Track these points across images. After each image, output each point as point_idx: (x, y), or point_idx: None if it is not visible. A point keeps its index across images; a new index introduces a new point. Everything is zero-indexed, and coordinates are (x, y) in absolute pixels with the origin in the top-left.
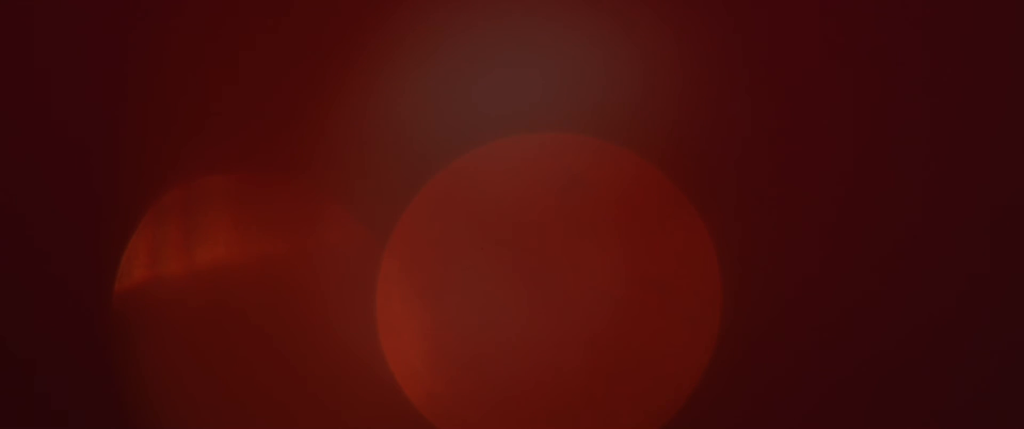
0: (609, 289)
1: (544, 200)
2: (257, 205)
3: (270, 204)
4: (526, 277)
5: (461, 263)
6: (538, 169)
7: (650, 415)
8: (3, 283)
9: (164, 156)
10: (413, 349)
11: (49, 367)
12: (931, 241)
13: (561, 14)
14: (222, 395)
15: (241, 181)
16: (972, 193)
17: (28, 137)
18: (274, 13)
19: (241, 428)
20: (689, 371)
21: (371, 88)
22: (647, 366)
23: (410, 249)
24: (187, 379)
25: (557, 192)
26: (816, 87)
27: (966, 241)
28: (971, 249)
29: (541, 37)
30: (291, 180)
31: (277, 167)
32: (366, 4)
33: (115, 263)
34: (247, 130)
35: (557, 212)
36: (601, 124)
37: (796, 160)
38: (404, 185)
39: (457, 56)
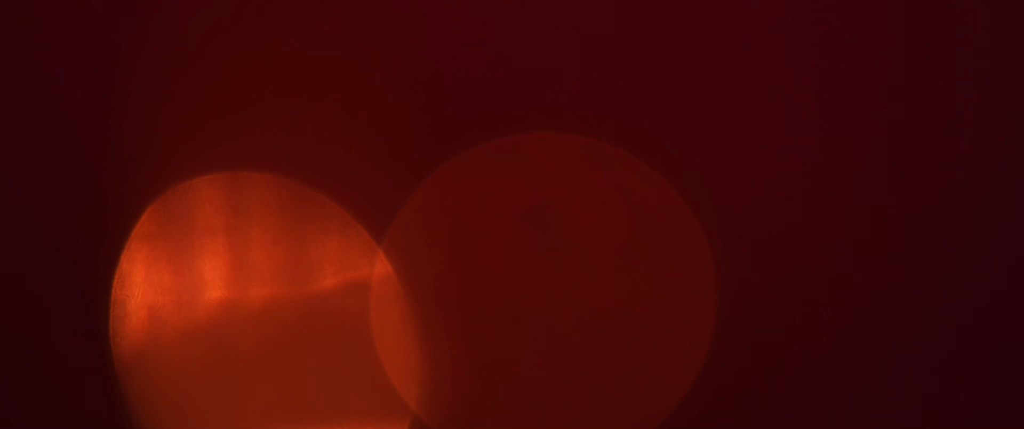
0: (607, 290)
1: (541, 201)
2: (252, 205)
3: (265, 204)
4: (524, 277)
5: (458, 263)
6: (536, 169)
7: (648, 415)
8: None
9: (161, 156)
10: (409, 351)
11: (45, 369)
12: (932, 243)
13: (558, 12)
14: (217, 396)
15: (236, 181)
16: (972, 194)
17: (25, 137)
18: (273, 14)
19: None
20: (686, 372)
21: (368, 87)
22: (645, 366)
23: (406, 249)
24: (182, 377)
25: (554, 193)
26: (819, 87)
27: (966, 243)
28: (971, 251)
29: (538, 35)
30: (287, 179)
31: (274, 167)
32: (362, 3)
33: (113, 262)
34: (243, 130)
35: (555, 213)
36: (599, 124)
37: (797, 161)
38: (400, 185)
39: (454, 54)
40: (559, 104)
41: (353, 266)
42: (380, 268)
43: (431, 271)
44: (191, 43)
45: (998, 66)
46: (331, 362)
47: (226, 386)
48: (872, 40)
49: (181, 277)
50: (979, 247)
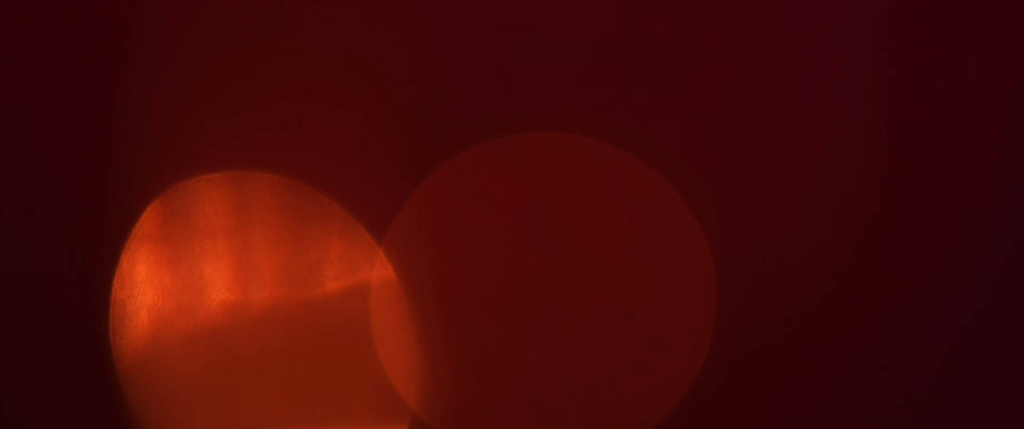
0: (607, 289)
1: (541, 201)
2: (252, 205)
3: (265, 204)
4: (524, 277)
5: (458, 263)
6: (537, 169)
7: (648, 415)
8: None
9: (162, 156)
10: (409, 351)
11: (45, 369)
12: (933, 242)
13: (561, 11)
14: (217, 396)
15: (236, 181)
16: (974, 193)
17: (25, 137)
18: (273, 14)
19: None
20: (686, 372)
21: (368, 87)
22: (645, 366)
23: (406, 249)
24: (183, 377)
25: (554, 193)
26: (820, 87)
27: (968, 242)
28: (973, 250)
29: (538, 35)
30: (287, 179)
31: (273, 167)
32: (363, 3)
33: (114, 263)
34: (243, 130)
35: (555, 213)
36: (599, 124)
37: (798, 161)
38: (400, 185)
39: (454, 54)
40: (559, 104)
41: (353, 266)
42: (380, 268)
43: (431, 271)
44: (192, 43)
45: (999, 65)
46: (330, 362)
47: (226, 386)
48: (874, 40)
49: (181, 277)
50: (980, 246)
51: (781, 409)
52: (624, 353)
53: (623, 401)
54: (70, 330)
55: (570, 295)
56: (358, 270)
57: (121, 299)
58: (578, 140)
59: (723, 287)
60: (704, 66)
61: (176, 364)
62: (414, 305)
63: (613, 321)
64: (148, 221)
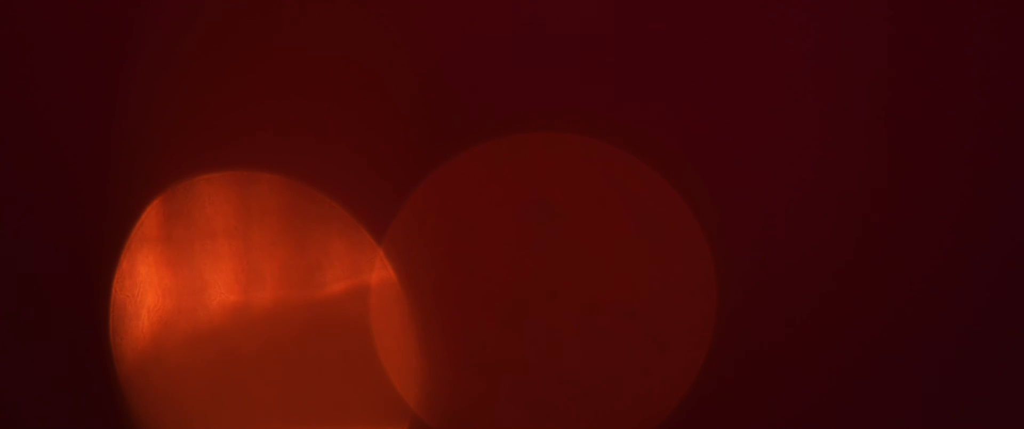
0: (608, 289)
1: (542, 200)
2: (252, 205)
3: (265, 205)
4: (524, 276)
5: (458, 263)
6: (537, 169)
7: (649, 414)
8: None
9: (163, 157)
10: (409, 350)
11: (46, 370)
12: (934, 242)
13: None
14: (217, 396)
15: (236, 181)
16: (975, 192)
17: (25, 137)
18: (273, 14)
19: (230, 425)
20: (687, 371)
21: (369, 87)
22: (646, 366)
23: (406, 249)
24: (183, 378)
25: (554, 193)
26: (820, 86)
27: (969, 241)
28: (974, 250)
29: (538, 35)
30: (287, 179)
31: (273, 167)
32: (363, 4)
33: (114, 263)
34: (244, 130)
35: (555, 213)
36: (599, 124)
37: (798, 161)
38: (400, 185)
39: (454, 54)
40: (559, 104)
41: (353, 266)
42: (380, 268)
43: (431, 271)
44: (192, 43)
45: (999, 65)
46: (330, 362)
47: (226, 387)
48: (874, 38)
49: (182, 278)
50: (980, 246)
51: (781, 409)
52: (624, 353)
53: (623, 401)
54: (70, 330)
55: (570, 295)
56: (358, 270)
57: (121, 300)
58: (578, 140)
59: (723, 287)
60: (704, 66)
61: (176, 365)
62: (414, 305)
63: (613, 320)
64: (148, 221)
